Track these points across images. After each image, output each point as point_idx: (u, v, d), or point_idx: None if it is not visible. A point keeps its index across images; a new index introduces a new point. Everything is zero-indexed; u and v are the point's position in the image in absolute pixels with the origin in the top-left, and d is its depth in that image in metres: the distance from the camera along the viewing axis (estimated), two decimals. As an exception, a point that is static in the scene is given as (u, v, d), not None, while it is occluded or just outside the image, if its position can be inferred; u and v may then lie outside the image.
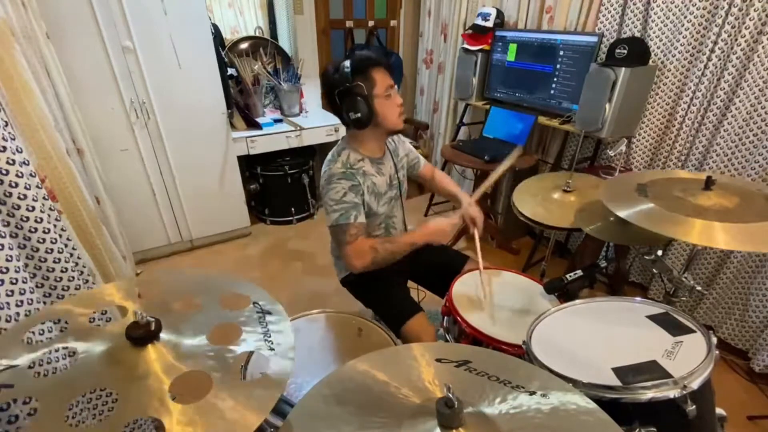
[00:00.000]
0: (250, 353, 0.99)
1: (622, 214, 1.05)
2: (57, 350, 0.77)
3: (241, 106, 2.76)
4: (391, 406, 0.62)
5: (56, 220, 1.09)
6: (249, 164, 2.87)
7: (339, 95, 1.18)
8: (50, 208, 1.07)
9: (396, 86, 1.23)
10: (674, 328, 0.91)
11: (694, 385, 0.75)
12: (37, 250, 1.00)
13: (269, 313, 0.73)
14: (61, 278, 1.06)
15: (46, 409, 0.55)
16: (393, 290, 1.39)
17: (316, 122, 2.83)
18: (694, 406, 0.73)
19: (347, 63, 1.16)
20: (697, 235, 0.94)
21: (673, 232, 0.97)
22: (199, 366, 0.60)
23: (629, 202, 1.10)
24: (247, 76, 2.71)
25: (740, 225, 0.94)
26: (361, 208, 1.23)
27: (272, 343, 0.67)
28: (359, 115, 1.17)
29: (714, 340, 0.85)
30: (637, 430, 0.78)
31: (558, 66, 2.25)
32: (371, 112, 1.19)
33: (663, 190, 1.13)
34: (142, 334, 0.61)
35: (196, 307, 0.73)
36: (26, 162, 0.99)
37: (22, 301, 0.88)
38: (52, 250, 1.03)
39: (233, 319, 0.71)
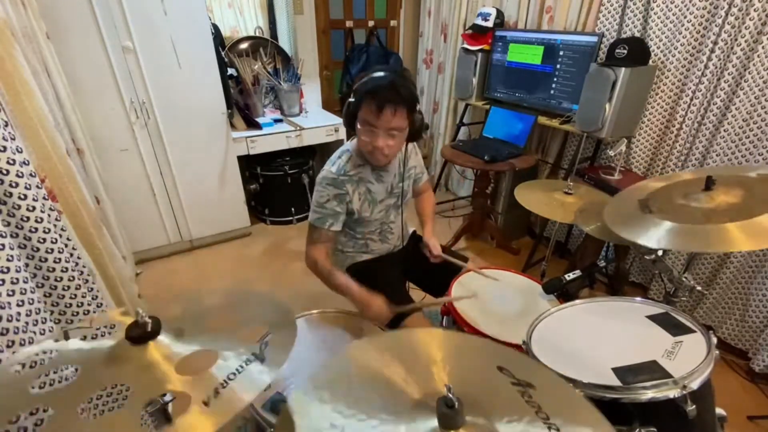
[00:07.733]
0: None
1: (649, 243, 0.97)
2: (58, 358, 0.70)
3: (241, 106, 2.76)
4: (392, 402, 0.62)
5: (56, 220, 1.10)
6: (249, 164, 2.87)
7: (344, 98, 1.19)
8: (50, 209, 1.07)
9: (381, 129, 1.14)
10: (674, 328, 0.91)
11: (694, 385, 0.75)
12: (38, 250, 1.00)
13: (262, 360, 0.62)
14: (61, 278, 1.06)
15: (59, 414, 0.55)
16: (389, 289, 1.39)
17: (316, 122, 2.83)
18: (694, 406, 0.73)
19: (363, 78, 1.16)
20: (727, 242, 0.88)
21: (706, 246, 0.91)
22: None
23: (641, 224, 1.03)
24: (247, 76, 2.71)
25: (759, 219, 0.89)
26: (340, 216, 1.26)
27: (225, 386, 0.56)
28: (348, 127, 1.22)
29: (714, 340, 0.85)
30: (637, 430, 0.78)
31: (558, 66, 2.25)
32: (354, 131, 1.23)
33: (666, 202, 1.09)
34: (140, 335, 0.61)
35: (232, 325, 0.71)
36: (26, 162, 0.99)
37: (23, 301, 0.88)
38: (52, 250, 1.03)
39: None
